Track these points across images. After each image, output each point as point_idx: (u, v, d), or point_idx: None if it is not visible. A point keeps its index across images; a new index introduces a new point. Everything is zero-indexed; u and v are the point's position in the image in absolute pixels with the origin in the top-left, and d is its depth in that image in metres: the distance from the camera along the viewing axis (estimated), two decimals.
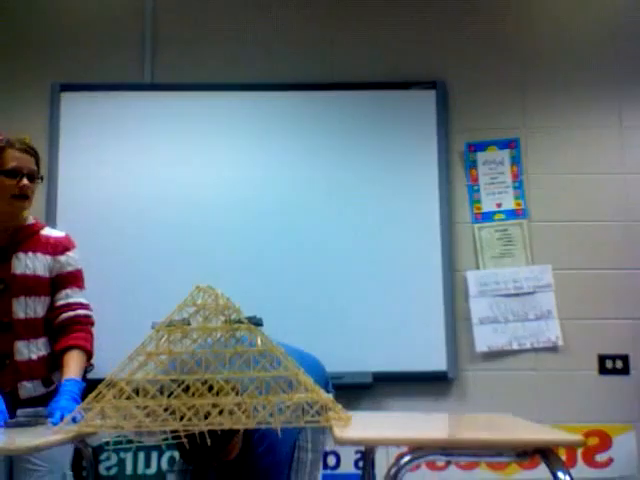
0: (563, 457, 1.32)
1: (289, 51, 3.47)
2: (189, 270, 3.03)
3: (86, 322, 2.15)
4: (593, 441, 3.17)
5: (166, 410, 1.48)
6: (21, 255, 2.10)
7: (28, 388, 2.06)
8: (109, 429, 1.47)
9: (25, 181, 2.05)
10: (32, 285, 2.08)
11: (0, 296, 2.06)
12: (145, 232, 3.17)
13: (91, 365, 2.88)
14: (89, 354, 2.12)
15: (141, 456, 3.14)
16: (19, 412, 1.72)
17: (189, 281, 1.62)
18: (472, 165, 3.40)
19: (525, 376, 3.24)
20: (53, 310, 2.13)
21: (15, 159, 2.06)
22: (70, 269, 2.17)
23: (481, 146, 3.40)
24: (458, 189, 3.38)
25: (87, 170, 3.30)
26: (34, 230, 2.17)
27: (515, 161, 3.39)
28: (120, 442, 1.55)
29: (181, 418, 1.47)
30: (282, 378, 1.53)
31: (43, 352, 2.10)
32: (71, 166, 3.33)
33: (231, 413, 1.48)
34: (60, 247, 2.17)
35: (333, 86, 3.41)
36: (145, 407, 1.47)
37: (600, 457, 3.18)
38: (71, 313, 2.13)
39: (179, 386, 1.51)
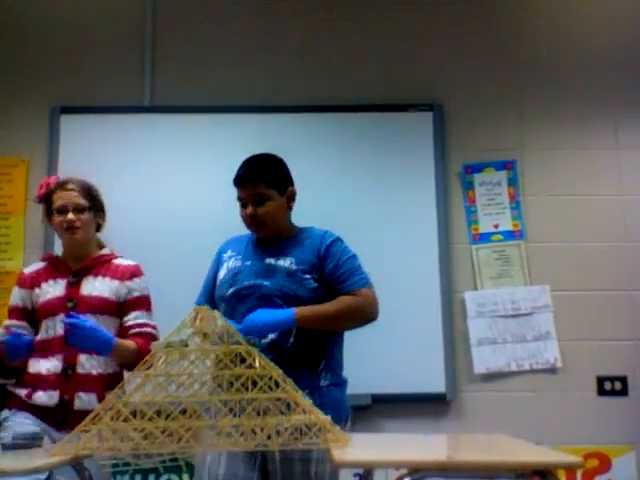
0: (563, 479, 1.31)
1: (288, 74, 3.50)
2: (189, 295, 3.02)
3: (152, 337, 2.32)
4: (593, 463, 3.15)
5: (163, 432, 1.47)
6: (90, 278, 2.31)
7: (83, 399, 2.18)
8: (106, 452, 1.47)
9: (70, 216, 2.29)
10: (97, 304, 2.27)
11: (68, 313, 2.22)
12: (145, 253, 3.15)
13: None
14: (145, 354, 2.22)
15: (138, 479, 3.11)
16: (15, 435, 1.72)
17: (188, 303, 1.60)
18: (469, 186, 3.41)
19: (524, 397, 3.23)
20: (123, 329, 2.31)
21: (61, 198, 2.31)
22: (137, 294, 2.36)
23: (478, 167, 3.42)
24: (455, 210, 3.39)
25: None
26: (107, 259, 2.40)
27: (512, 182, 3.41)
28: (117, 465, 1.54)
29: (178, 440, 1.46)
30: (280, 400, 1.53)
31: (104, 370, 2.24)
32: None
33: (229, 435, 1.48)
34: (128, 273, 2.37)
35: (331, 108, 3.44)
36: (142, 429, 1.47)
37: (600, 479, 3.16)
38: (139, 329, 2.31)
39: (176, 408, 1.50)
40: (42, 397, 2.17)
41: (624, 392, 3.24)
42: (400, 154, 3.39)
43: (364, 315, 2.19)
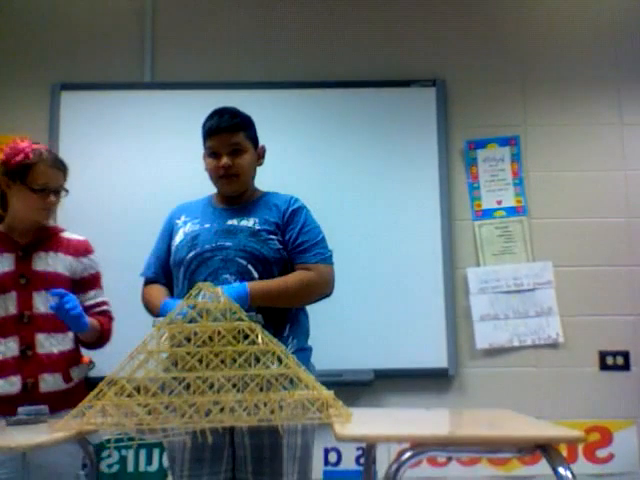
0: (564, 453, 1.32)
1: (289, 49, 3.47)
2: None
3: (110, 315, 2.31)
4: (594, 437, 3.18)
5: (167, 408, 1.48)
6: (42, 254, 2.20)
7: (49, 381, 2.10)
8: (110, 427, 1.48)
9: (52, 198, 2.17)
10: (52, 281, 2.16)
11: (22, 290, 2.13)
12: (146, 230, 3.15)
13: (92, 363, 2.90)
14: (107, 333, 2.26)
15: (143, 453, 3.15)
16: (20, 410, 1.73)
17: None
18: (472, 162, 3.40)
19: (526, 373, 3.24)
20: (84, 309, 2.20)
21: (45, 176, 2.15)
22: (93, 272, 2.30)
23: (481, 143, 3.41)
24: (458, 186, 3.38)
25: (87, 168, 3.30)
26: (54, 232, 2.28)
27: (515, 158, 3.39)
28: (121, 440, 1.55)
29: (182, 416, 1.47)
30: (283, 375, 1.54)
31: (64, 347, 2.17)
32: (71, 164, 3.25)
33: (232, 410, 1.49)
34: (82, 249, 2.29)
35: (333, 84, 3.41)
36: (146, 405, 1.48)
37: (601, 453, 3.19)
38: (99, 309, 2.27)
39: (180, 384, 1.51)
40: (2, 385, 2.06)
41: (626, 367, 3.25)
42: (402, 130, 3.37)
43: (318, 292, 2.12)
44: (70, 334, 2.19)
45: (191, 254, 2.09)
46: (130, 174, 3.32)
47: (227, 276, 2.04)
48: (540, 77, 3.46)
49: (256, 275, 2.05)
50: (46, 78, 3.41)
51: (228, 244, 2.07)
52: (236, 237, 2.08)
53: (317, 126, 3.37)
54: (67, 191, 2.25)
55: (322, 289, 2.13)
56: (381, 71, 3.44)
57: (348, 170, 3.33)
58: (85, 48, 3.48)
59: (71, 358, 2.19)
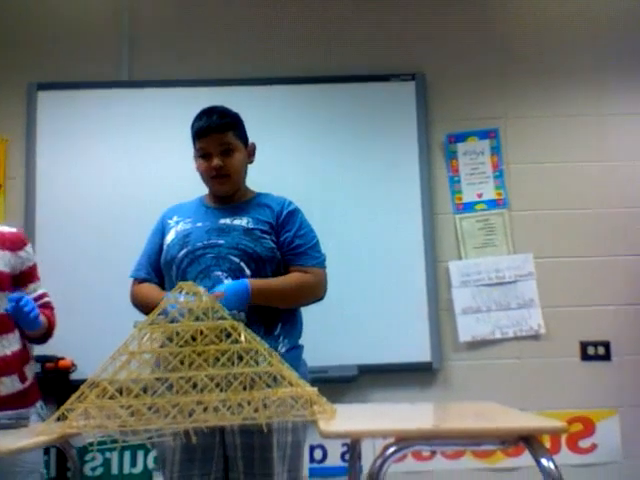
0: (547, 444, 1.33)
1: (268, 46, 3.46)
2: None
3: (52, 307, 2.24)
4: (577, 427, 3.21)
5: (150, 409, 1.47)
6: None
7: (7, 384, 2.05)
8: (93, 429, 1.46)
9: None
10: None
11: None
12: (126, 231, 3.14)
13: (74, 365, 2.87)
14: (53, 326, 2.21)
15: (127, 455, 3.13)
16: (0, 415, 1.71)
17: None
18: (453, 156, 3.41)
19: (508, 364, 3.26)
20: None
21: None
22: (30, 264, 2.21)
23: (461, 137, 3.42)
24: (439, 180, 3.39)
25: (65, 169, 3.28)
26: None
27: (495, 151, 3.41)
28: (104, 442, 1.54)
29: (165, 416, 1.46)
30: (266, 373, 1.53)
31: (15, 347, 2.10)
32: (49, 165, 3.30)
33: (216, 410, 1.48)
34: (19, 243, 2.19)
35: (312, 80, 3.40)
36: (129, 406, 1.47)
37: (584, 443, 3.22)
38: (41, 301, 2.19)
39: (163, 384, 1.50)
40: None
41: (607, 357, 3.28)
42: (383, 124, 3.37)
43: (313, 295, 2.13)
44: (17, 332, 2.13)
45: (182, 252, 2.07)
46: (109, 173, 3.29)
47: (219, 273, 2.03)
48: (519, 70, 3.48)
49: (248, 273, 2.04)
50: (22, 78, 3.37)
51: (221, 242, 2.06)
52: (229, 235, 2.07)
53: (296, 122, 3.36)
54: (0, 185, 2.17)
55: (317, 293, 2.14)
56: (360, 66, 3.44)
57: (328, 165, 3.33)
58: (61, 47, 3.44)
59: (23, 357, 2.14)
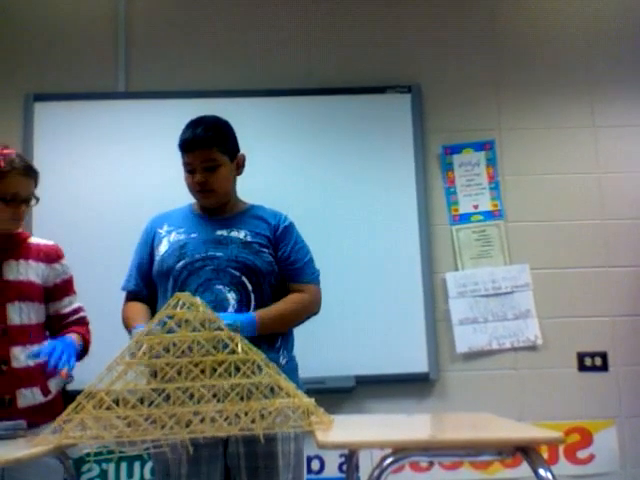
0: (545, 454, 1.33)
1: (265, 57, 3.47)
2: None
3: (86, 323, 2.24)
4: (574, 438, 3.20)
5: (147, 419, 1.47)
6: (12, 262, 2.10)
7: (27, 396, 2.03)
8: (90, 440, 1.46)
9: (23, 208, 2.09)
10: (26, 291, 2.09)
11: None
12: (123, 241, 3.13)
13: (71, 377, 2.85)
14: (87, 345, 2.20)
15: (124, 466, 3.11)
16: None
17: None
18: (449, 167, 3.42)
19: (506, 375, 3.26)
20: (60, 317, 2.18)
21: (16, 185, 2.05)
22: (65, 277, 2.22)
23: (457, 148, 3.43)
24: (435, 191, 3.40)
25: (62, 179, 3.27)
26: (22, 238, 2.18)
27: (491, 163, 3.42)
28: (101, 453, 1.53)
29: (162, 427, 1.46)
30: (263, 384, 1.53)
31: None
32: (46, 176, 3.23)
33: (213, 420, 1.48)
34: (53, 255, 2.20)
35: (309, 92, 3.42)
36: (126, 417, 1.47)
37: (582, 454, 3.21)
38: (77, 316, 2.21)
39: (159, 395, 1.50)
40: None
41: (604, 367, 3.28)
42: (379, 136, 3.38)
43: (309, 313, 2.16)
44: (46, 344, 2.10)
45: (180, 263, 2.06)
46: (105, 184, 3.29)
47: (220, 287, 2.04)
48: (514, 82, 3.50)
49: (250, 287, 2.05)
50: (19, 89, 3.37)
51: (219, 254, 2.05)
52: (227, 248, 2.07)
53: (293, 134, 3.37)
54: (38, 199, 2.15)
55: (313, 310, 2.16)
56: (357, 78, 3.46)
57: (326, 177, 3.33)
58: (58, 58, 3.45)
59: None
